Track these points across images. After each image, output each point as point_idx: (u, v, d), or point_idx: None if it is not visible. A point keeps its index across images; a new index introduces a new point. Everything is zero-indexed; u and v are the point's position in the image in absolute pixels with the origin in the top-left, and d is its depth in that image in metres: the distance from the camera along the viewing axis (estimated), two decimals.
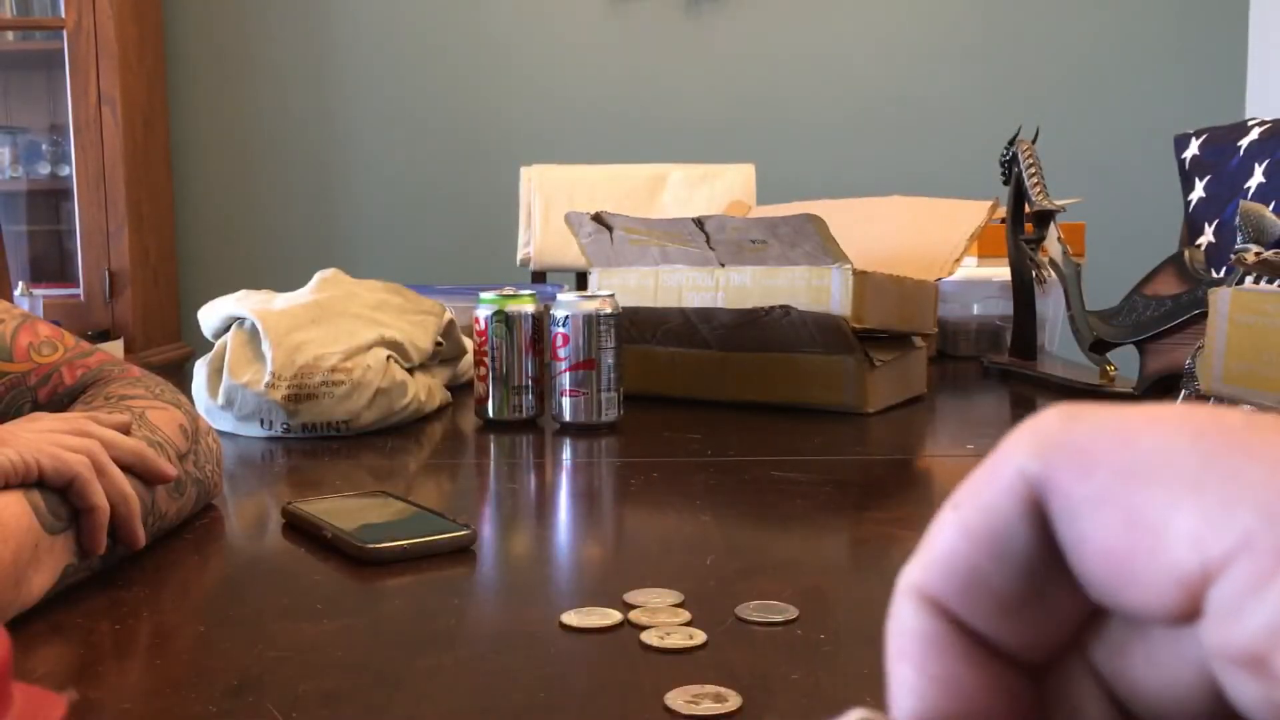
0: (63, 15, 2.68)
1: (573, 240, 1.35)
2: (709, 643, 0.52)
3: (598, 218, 1.27)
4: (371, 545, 0.65)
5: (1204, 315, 0.94)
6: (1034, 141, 1.42)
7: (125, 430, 0.65)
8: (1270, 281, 0.98)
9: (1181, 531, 0.15)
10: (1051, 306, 1.58)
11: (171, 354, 2.88)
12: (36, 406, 0.74)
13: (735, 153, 2.66)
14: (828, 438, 1.05)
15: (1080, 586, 0.16)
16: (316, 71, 3.04)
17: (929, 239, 1.31)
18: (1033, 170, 1.39)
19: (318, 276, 1.19)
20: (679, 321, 1.20)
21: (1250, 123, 1.81)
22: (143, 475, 0.64)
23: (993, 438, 0.95)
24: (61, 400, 0.75)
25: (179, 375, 2.43)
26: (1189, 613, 0.15)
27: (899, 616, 0.17)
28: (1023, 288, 1.44)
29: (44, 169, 2.94)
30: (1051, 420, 0.17)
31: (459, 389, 1.27)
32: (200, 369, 1.08)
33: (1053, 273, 1.36)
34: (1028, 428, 0.17)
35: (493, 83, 3.01)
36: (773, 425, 1.10)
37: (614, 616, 0.55)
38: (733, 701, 0.45)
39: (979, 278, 1.60)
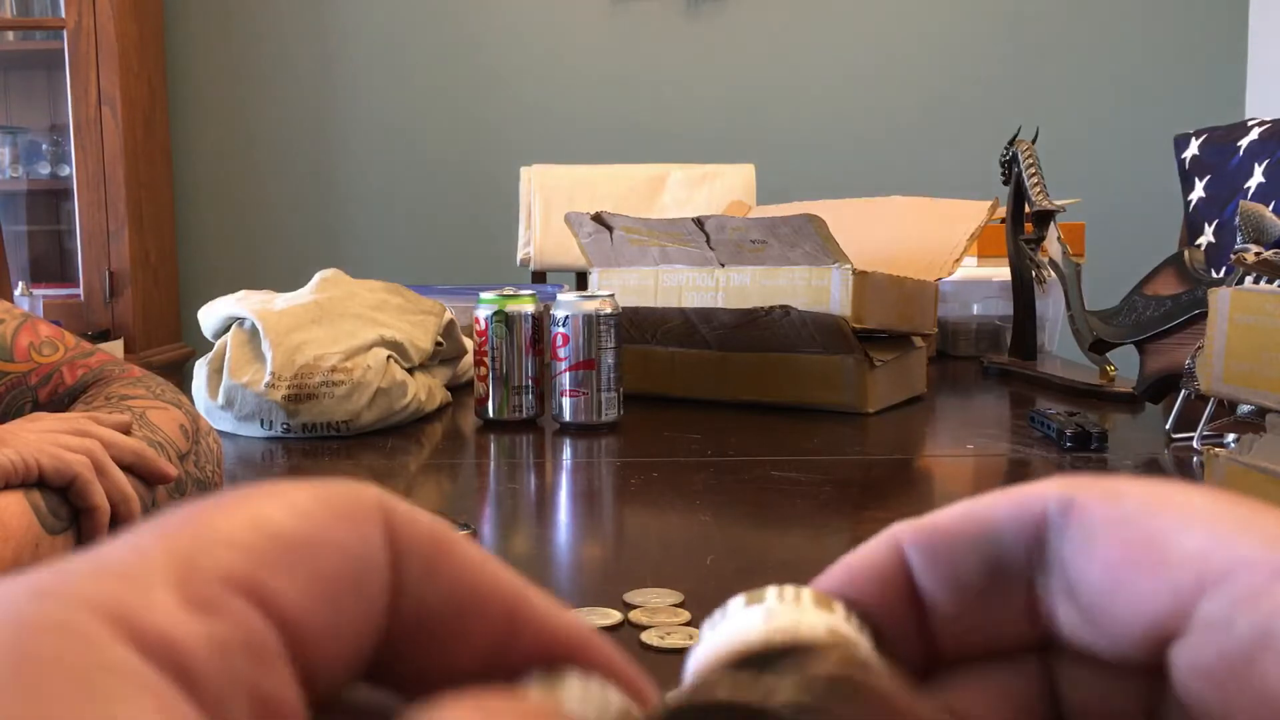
0: (63, 15, 2.68)
1: (573, 240, 1.35)
2: None
3: (598, 218, 1.27)
4: None
5: (1204, 315, 0.94)
6: (1034, 141, 1.42)
7: (126, 430, 0.65)
8: (1270, 281, 0.98)
9: (1187, 549, 0.16)
10: (1051, 306, 1.58)
11: (171, 354, 2.88)
12: (37, 406, 0.74)
13: (735, 153, 2.66)
14: (828, 438, 1.05)
15: (1034, 615, 0.18)
16: (317, 71, 3.04)
17: (929, 239, 1.31)
18: (1033, 170, 1.39)
19: (318, 276, 1.19)
20: (679, 321, 1.20)
21: (1250, 123, 1.81)
22: (143, 475, 0.64)
23: (993, 438, 0.95)
24: (62, 400, 0.75)
25: (179, 375, 2.43)
26: (1169, 629, 0.16)
27: (863, 547, 0.19)
28: (1023, 288, 1.44)
29: (44, 169, 2.94)
30: (1089, 476, 0.19)
31: (459, 389, 1.27)
32: (200, 369, 1.08)
33: (1053, 273, 1.36)
34: (1057, 480, 0.19)
35: (493, 83, 3.01)
36: (773, 425, 1.10)
37: (614, 616, 0.55)
38: None
39: (979, 278, 1.60)
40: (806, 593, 0.19)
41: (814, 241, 1.10)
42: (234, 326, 1.09)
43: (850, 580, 0.19)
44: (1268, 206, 1.08)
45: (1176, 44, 2.95)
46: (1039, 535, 0.18)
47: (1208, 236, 1.80)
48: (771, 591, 0.18)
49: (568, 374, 1.06)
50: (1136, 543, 0.17)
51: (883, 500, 0.84)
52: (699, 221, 1.18)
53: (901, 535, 0.19)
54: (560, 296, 1.08)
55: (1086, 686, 0.19)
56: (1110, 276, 1.92)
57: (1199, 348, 0.91)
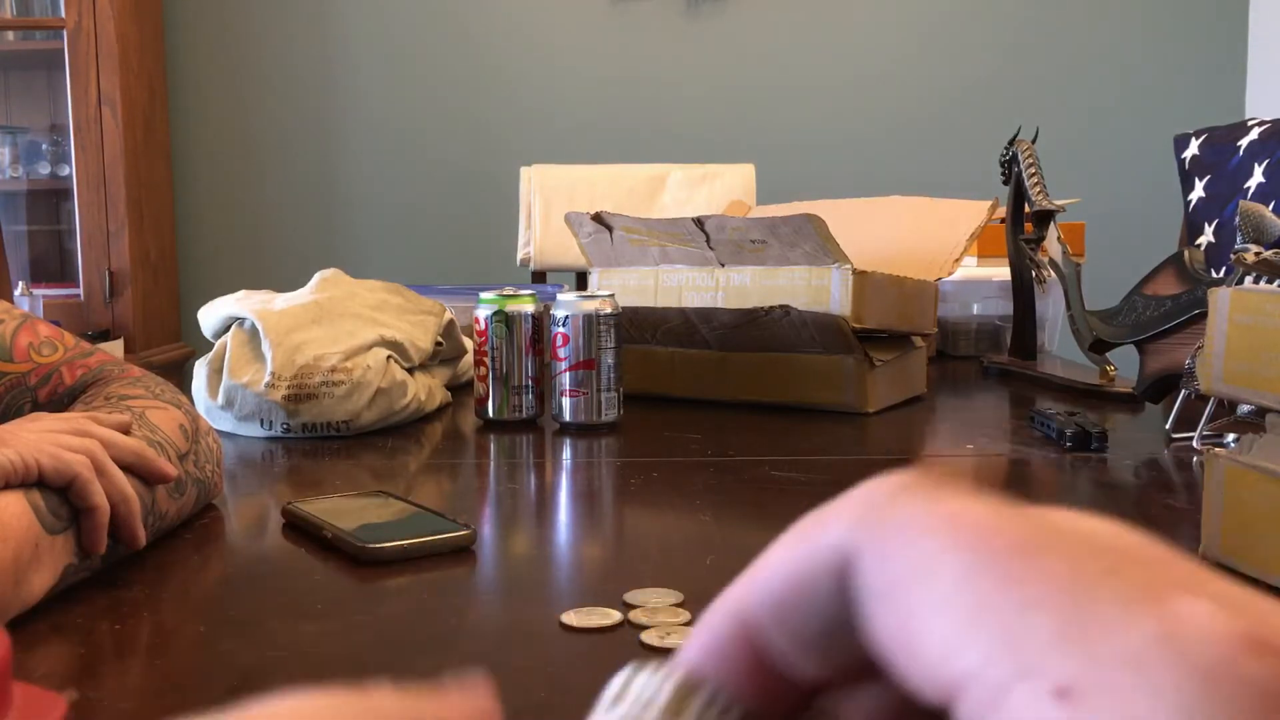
0: (63, 15, 2.68)
1: (573, 240, 1.35)
2: None
3: (598, 218, 1.27)
4: (371, 545, 0.65)
5: (1204, 315, 0.94)
6: (1034, 141, 1.41)
7: (125, 430, 0.65)
8: (1270, 281, 0.98)
9: (933, 646, 0.16)
10: (1051, 306, 1.58)
11: (171, 354, 2.88)
12: (36, 406, 0.74)
13: (735, 153, 2.66)
14: (828, 438, 1.05)
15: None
16: (316, 71, 3.04)
17: (929, 239, 1.31)
18: (1033, 170, 1.39)
19: (318, 276, 1.19)
20: (679, 321, 1.20)
21: (1250, 123, 1.81)
22: (143, 475, 0.64)
23: (992, 438, 0.96)
24: (62, 400, 0.75)
25: (179, 375, 2.43)
26: (947, 706, 0.16)
27: (709, 621, 0.20)
28: (1022, 288, 1.44)
29: (44, 169, 2.94)
30: (880, 495, 0.19)
31: (459, 389, 1.27)
32: (200, 369, 1.08)
33: (1052, 273, 1.36)
34: (862, 496, 0.19)
35: (493, 82, 3.01)
36: (773, 425, 1.10)
37: (614, 616, 0.55)
38: None
39: (979, 278, 1.60)
40: (663, 694, 0.19)
41: (814, 241, 1.10)
42: (234, 326, 1.09)
43: (707, 661, 0.20)
44: (1268, 206, 1.08)
45: (1176, 44, 2.95)
46: (847, 585, 0.18)
47: (1208, 236, 1.80)
48: (636, 686, 0.19)
49: (568, 374, 1.06)
50: (898, 626, 0.17)
51: None
52: (699, 221, 1.18)
53: (741, 601, 0.19)
54: (560, 296, 1.08)
55: None
56: (1110, 276, 1.92)
57: (1199, 348, 0.91)
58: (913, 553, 0.17)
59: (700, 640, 0.20)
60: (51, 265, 3.02)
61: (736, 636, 0.19)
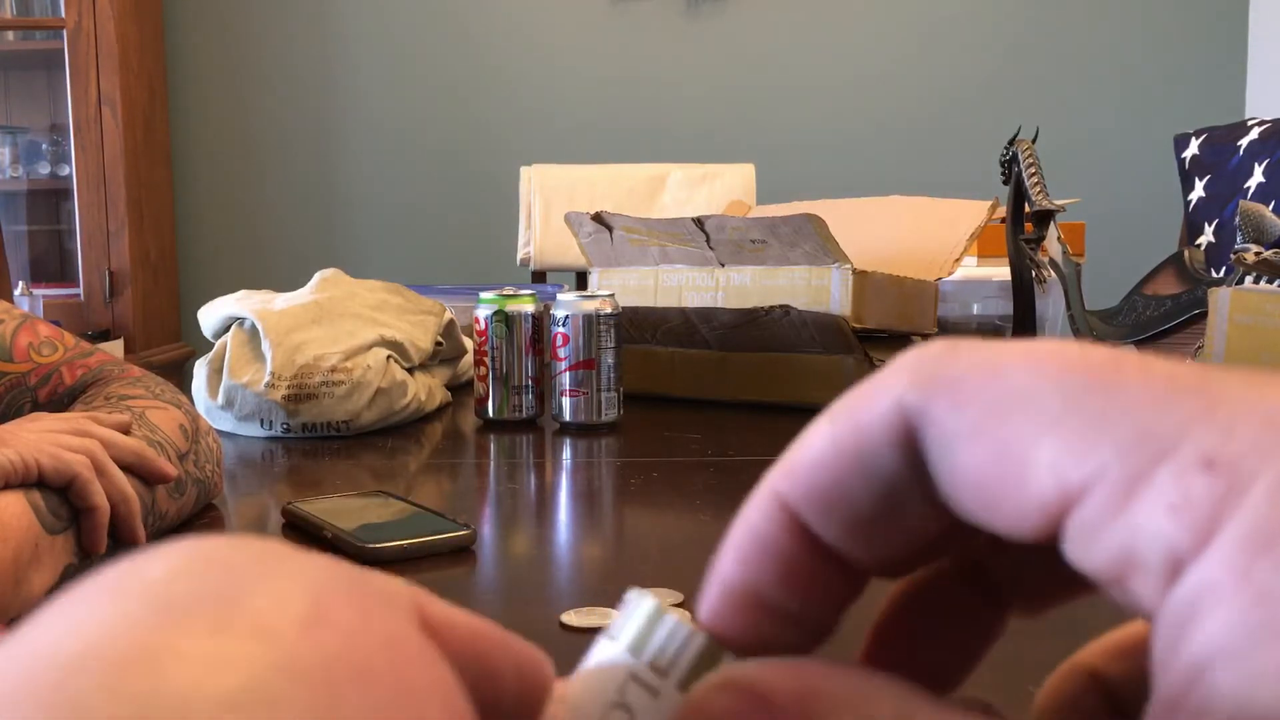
0: (63, 15, 2.68)
1: (573, 240, 1.35)
2: None
3: (598, 218, 1.27)
4: (371, 545, 0.65)
5: (1204, 315, 0.94)
6: (1034, 141, 1.41)
7: (125, 430, 0.65)
8: (1270, 281, 0.98)
9: (1043, 462, 0.15)
10: (1051, 306, 1.58)
11: (171, 354, 2.88)
12: (36, 406, 0.74)
13: (735, 153, 2.66)
14: None
15: (939, 510, 0.17)
16: (316, 71, 3.04)
17: (929, 239, 1.31)
18: (1033, 170, 1.39)
19: (318, 276, 1.19)
20: (679, 321, 1.20)
21: (1250, 123, 1.81)
22: (143, 475, 0.64)
23: None
24: (62, 400, 0.75)
25: (179, 375, 2.43)
26: (1050, 537, 0.16)
27: (748, 517, 0.19)
28: (1023, 288, 1.44)
29: (44, 169, 2.94)
30: (933, 353, 0.17)
31: (459, 389, 1.27)
32: (200, 369, 1.08)
33: (1053, 273, 1.36)
34: (911, 358, 0.18)
35: (493, 82, 3.01)
36: (773, 425, 1.10)
37: (614, 616, 0.55)
38: None
39: (979, 278, 1.60)
40: (684, 658, 0.18)
41: (814, 241, 1.10)
42: (234, 326, 1.09)
43: (745, 566, 0.19)
44: (1268, 206, 1.08)
45: (1176, 44, 2.95)
46: (911, 447, 0.17)
47: (1208, 236, 1.80)
48: (657, 638, 0.18)
49: (568, 374, 1.06)
50: (991, 461, 0.16)
51: None
52: (699, 221, 1.18)
53: (783, 491, 0.18)
54: (560, 296, 1.08)
55: (1008, 557, 0.19)
56: (1110, 276, 1.93)
57: (1199, 348, 0.91)
58: (999, 386, 0.16)
59: (739, 538, 0.19)
60: (51, 265, 3.02)
61: (780, 528, 0.18)
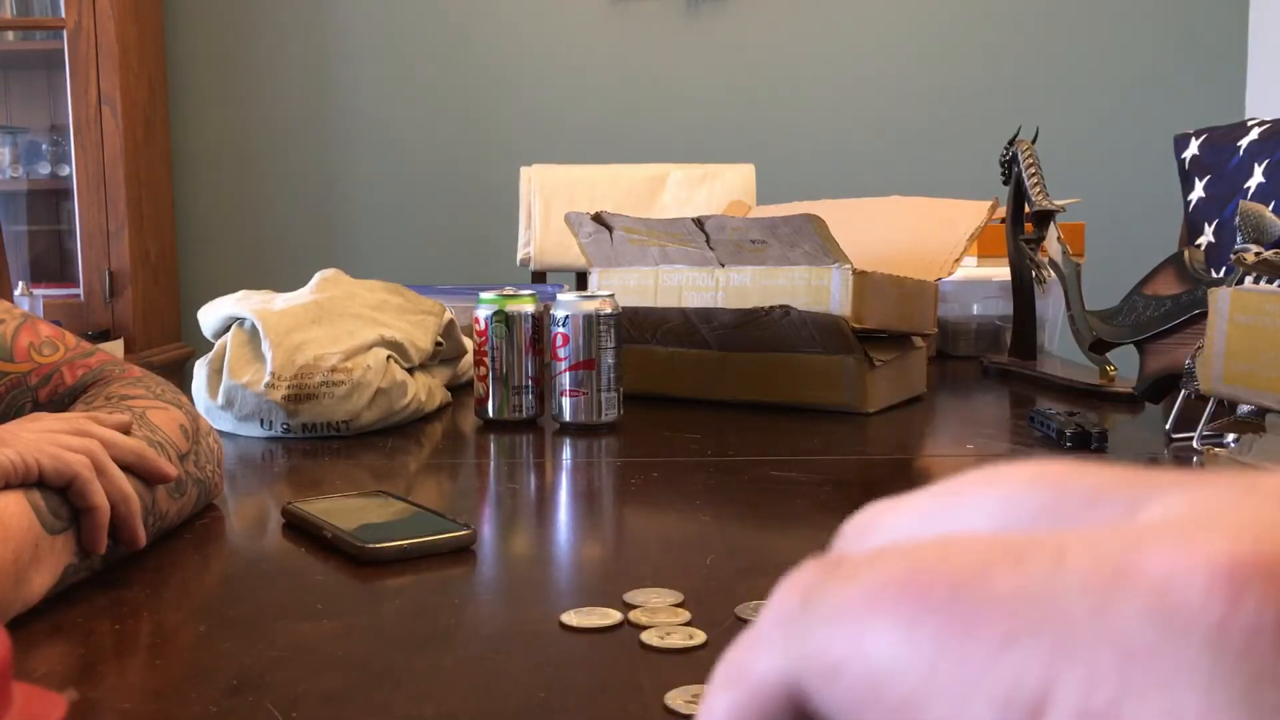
0: (63, 15, 2.68)
1: (573, 240, 1.35)
2: (709, 643, 0.52)
3: (598, 218, 1.27)
4: (371, 545, 0.65)
5: (1204, 315, 0.94)
6: (1034, 141, 1.42)
7: (126, 430, 0.65)
8: (1270, 281, 0.98)
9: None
10: (1051, 306, 1.58)
11: (171, 354, 2.88)
12: (37, 406, 0.75)
13: (735, 153, 2.66)
14: (828, 438, 1.05)
15: None
16: (316, 71, 3.04)
17: (929, 239, 1.31)
18: (1033, 170, 1.39)
19: (318, 276, 1.19)
20: (679, 321, 1.20)
21: (1250, 123, 1.81)
22: (143, 475, 0.64)
23: (992, 438, 0.95)
24: (62, 400, 0.75)
25: (179, 375, 2.43)
26: None
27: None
28: (1022, 288, 1.44)
29: (44, 169, 2.94)
30: (789, 608, 0.17)
31: (459, 389, 1.27)
32: (200, 369, 1.08)
33: (1052, 273, 1.36)
34: (775, 620, 0.17)
35: (493, 82, 3.01)
36: (773, 425, 1.10)
37: (614, 616, 0.55)
38: None
39: (979, 278, 1.60)
40: None
41: (814, 241, 1.10)
42: (234, 326, 1.09)
43: None
44: (1268, 206, 1.08)
45: (1176, 44, 2.95)
46: (798, 711, 0.17)
47: (1208, 236, 1.80)
48: None
49: (568, 374, 1.06)
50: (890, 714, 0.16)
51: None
52: (699, 221, 1.18)
53: None
54: (560, 296, 1.08)
55: None
56: (1110, 276, 1.93)
57: (1199, 348, 0.91)
58: (865, 662, 0.16)
59: None
60: (51, 265, 3.02)
61: None
